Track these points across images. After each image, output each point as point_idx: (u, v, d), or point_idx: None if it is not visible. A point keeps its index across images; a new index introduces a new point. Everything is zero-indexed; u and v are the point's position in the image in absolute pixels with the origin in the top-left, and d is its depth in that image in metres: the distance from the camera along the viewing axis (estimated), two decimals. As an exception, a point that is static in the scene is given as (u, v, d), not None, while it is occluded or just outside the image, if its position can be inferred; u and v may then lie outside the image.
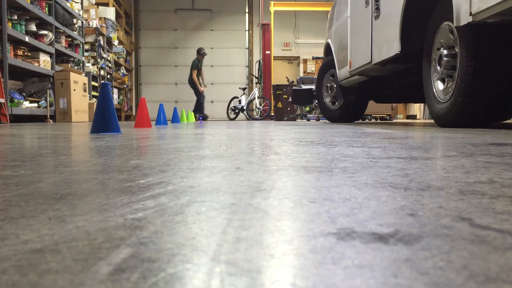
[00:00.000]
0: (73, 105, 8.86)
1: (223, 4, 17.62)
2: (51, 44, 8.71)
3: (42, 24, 8.48)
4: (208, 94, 18.24)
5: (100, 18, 12.09)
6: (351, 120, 6.71)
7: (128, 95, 16.66)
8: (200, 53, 13.62)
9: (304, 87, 10.36)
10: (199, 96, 13.59)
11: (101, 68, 11.99)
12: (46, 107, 8.37)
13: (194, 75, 13.51)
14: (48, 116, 8.43)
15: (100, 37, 11.91)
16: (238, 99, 14.45)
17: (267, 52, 14.48)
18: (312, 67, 17.08)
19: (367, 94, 6.16)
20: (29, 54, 7.95)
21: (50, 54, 8.77)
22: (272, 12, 15.15)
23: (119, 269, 0.38)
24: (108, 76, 12.97)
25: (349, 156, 1.28)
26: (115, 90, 14.19)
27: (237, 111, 14.27)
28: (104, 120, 3.21)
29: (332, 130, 3.40)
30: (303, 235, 0.48)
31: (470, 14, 2.77)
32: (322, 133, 2.77)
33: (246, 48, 17.95)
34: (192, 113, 12.39)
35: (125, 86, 15.79)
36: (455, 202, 0.64)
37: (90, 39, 11.57)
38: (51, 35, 8.67)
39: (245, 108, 14.03)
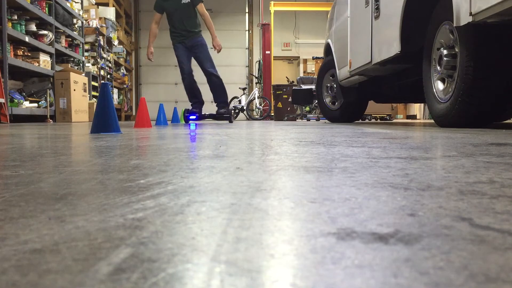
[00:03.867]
0: (73, 105, 8.86)
1: (223, 4, 17.61)
2: (51, 44, 8.71)
3: (42, 24, 8.47)
4: (208, 94, 18.26)
5: (100, 18, 12.08)
6: (351, 120, 6.71)
7: (128, 95, 16.66)
8: None
9: (304, 87, 10.37)
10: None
11: (101, 68, 11.99)
12: (46, 107, 8.37)
13: (152, 24, 7.16)
14: (48, 116, 8.42)
15: (100, 37, 11.90)
16: (238, 99, 14.44)
17: (267, 52, 14.48)
18: (312, 67, 17.08)
19: (367, 94, 6.16)
20: (29, 54, 7.94)
21: (50, 54, 8.77)
22: (272, 12, 15.15)
23: (119, 269, 0.38)
24: (108, 76, 12.97)
25: (349, 156, 1.28)
26: (115, 90, 14.18)
27: (237, 111, 14.26)
28: (104, 120, 3.21)
29: (332, 130, 3.40)
30: (303, 235, 0.48)
31: (470, 14, 2.76)
32: (322, 133, 2.77)
33: (246, 48, 17.94)
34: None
35: (125, 86, 15.79)
36: (455, 202, 0.64)
37: (90, 39, 11.57)
38: (51, 35, 8.67)
39: (245, 108, 14.03)
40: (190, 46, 7.09)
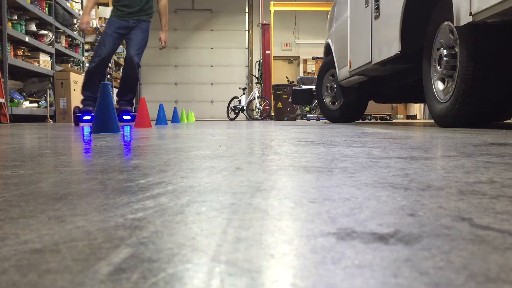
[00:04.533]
0: (73, 105, 8.86)
1: (223, 4, 17.61)
2: (51, 44, 8.71)
3: (42, 24, 8.48)
4: (208, 94, 18.29)
5: (100, 18, 12.06)
6: (351, 120, 6.70)
7: (128, 95, 16.64)
8: None
9: (304, 87, 10.37)
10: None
11: (101, 68, 11.96)
12: (46, 107, 8.37)
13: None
14: (48, 116, 8.42)
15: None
16: (238, 99, 14.45)
17: (267, 52, 14.49)
18: (312, 67, 17.08)
19: (367, 94, 6.16)
20: (29, 54, 7.95)
21: (50, 54, 8.77)
22: (272, 12, 15.15)
23: (119, 269, 0.38)
24: (108, 76, 12.97)
25: (349, 156, 1.28)
26: (115, 90, 14.17)
27: (237, 111, 14.28)
28: (104, 120, 3.21)
29: (332, 130, 3.40)
30: (303, 235, 0.48)
31: (470, 14, 2.76)
32: (322, 133, 2.77)
33: (246, 48, 17.94)
34: (192, 113, 11.89)
35: (125, 86, 15.76)
36: (455, 202, 0.64)
37: (90, 39, 11.57)
38: (51, 35, 8.67)
39: (245, 108, 14.04)
40: (132, 27, 5.88)
